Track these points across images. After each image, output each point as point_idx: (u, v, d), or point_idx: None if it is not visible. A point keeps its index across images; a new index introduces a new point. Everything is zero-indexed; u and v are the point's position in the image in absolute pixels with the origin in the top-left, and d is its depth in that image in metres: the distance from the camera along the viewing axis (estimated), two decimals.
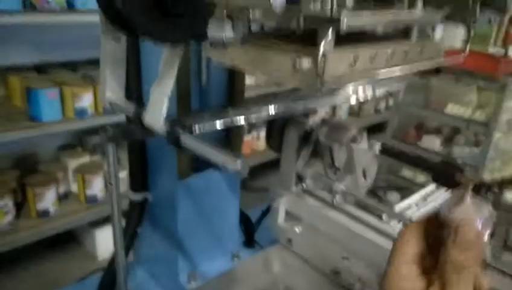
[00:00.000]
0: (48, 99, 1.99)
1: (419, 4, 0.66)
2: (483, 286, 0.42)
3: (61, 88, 2.03)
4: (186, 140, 0.54)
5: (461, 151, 2.60)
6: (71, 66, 2.35)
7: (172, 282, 1.09)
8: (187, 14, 0.51)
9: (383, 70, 0.64)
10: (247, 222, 1.29)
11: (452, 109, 2.48)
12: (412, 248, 0.43)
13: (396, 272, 0.42)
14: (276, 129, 1.00)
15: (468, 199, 0.40)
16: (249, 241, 1.29)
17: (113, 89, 0.67)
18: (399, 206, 1.34)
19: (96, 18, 0.61)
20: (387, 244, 0.80)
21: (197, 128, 0.59)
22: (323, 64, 0.52)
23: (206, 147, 0.52)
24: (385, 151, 0.97)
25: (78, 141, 2.48)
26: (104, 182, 2.22)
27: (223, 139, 1.13)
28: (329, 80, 0.53)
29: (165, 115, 0.57)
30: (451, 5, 0.69)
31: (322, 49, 0.51)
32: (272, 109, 0.77)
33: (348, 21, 0.49)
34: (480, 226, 0.39)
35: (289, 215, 0.97)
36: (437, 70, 0.86)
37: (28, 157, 2.34)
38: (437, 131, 2.88)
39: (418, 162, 0.93)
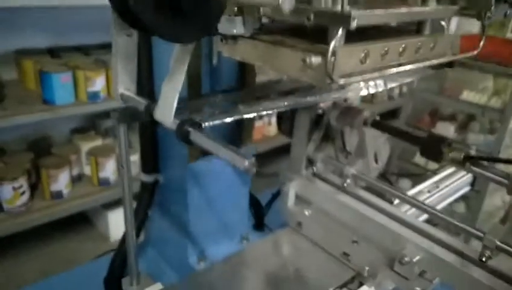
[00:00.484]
0: (61, 82, 2.00)
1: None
2: None
3: (74, 72, 2.04)
4: (196, 137, 0.55)
5: (476, 139, 2.56)
6: (84, 50, 2.36)
7: (182, 263, 1.10)
8: (198, 12, 0.51)
9: (393, 68, 0.62)
10: (257, 206, 1.30)
11: (468, 95, 2.44)
12: None
13: None
14: (287, 113, 0.99)
15: None
16: (259, 224, 1.30)
17: (124, 83, 0.68)
18: (411, 192, 1.33)
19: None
20: (398, 228, 0.79)
21: (206, 125, 0.61)
22: (332, 62, 0.51)
23: (216, 145, 0.53)
24: (375, 125, 0.95)
25: (91, 125, 2.50)
26: (116, 164, 2.24)
27: (234, 126, 1.13)
28: (339, 77, 0.53)
29: (174, 111, 0.58)
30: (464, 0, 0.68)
31: (332, 47, 0.50)
32: (282, 103, 0.76)
33: (359, 19, 0.49)
34: None
35: (299, 198, 0.96)
36: (450, 64, 0.85)
37: (42, 140, 2.37)
38: (451, 118, 2.83)
39: (407, 137, 0.92)
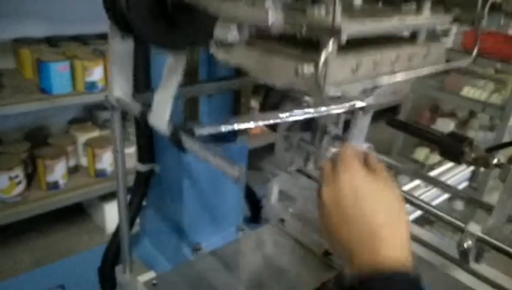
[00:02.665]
0: (59, 72, 1.98)
1: (427, 8, 0.66)
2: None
3: (71, 61, 2.02)
4: (189, 144, 0.56)
5: (476, 135, 2.55)
6: (82, 39, 2.33)
7: (176, 253, 1.09)
8: (190, 24, 0.53)
9: (385, 76, 0.62)
10: (253, 198, 1.29)
11: (468, 91, 2.42)
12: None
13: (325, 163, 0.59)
14: (271, 106, 0.97)
15: None
16: (255, 216, 1.30)
17: (121, 87, 0.70)
18: (407, 187, 1.32)
19: None
20: None
21: (198, 131, 0.61)
22: (324, 72, 0.52)
23: (208, 153, 0.54)
24: (392, 123, 0.94)
25: (88, 115, 2.48)
26: (113, 156, 2.23)
27: (230, 116, 1.12)
28: (331, 86, 0.53)
29: (168, 118, 0.60)
30: (459, 8, 0.69)
31: (323, 58, 0.50)
32: (277, 117, 0.75)
33: (349, 31, 0.50)
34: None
35: (283, 195, 0.94)
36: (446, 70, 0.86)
37: (39, 130, 2.35)
38: (452, 114, 2.82)
39: (426, 135, 0.91)
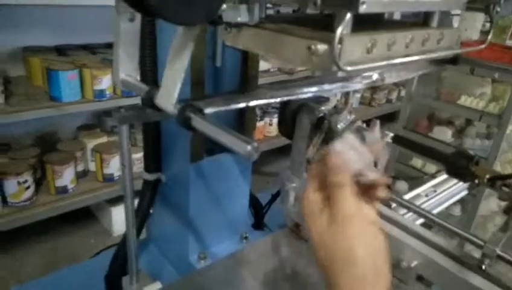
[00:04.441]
0: (68, 80, 2.03)
1: None
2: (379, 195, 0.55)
3: (80, 70, 2.08)
4: (197, 122, 0.52)
5: (472, 143, 2.58)
6: (91, 49, 2.39)
7: (183, 261, 1.13)
8: None
9: (400, 58, 0.61)
10: (257, 205, 1.33)
11: (465, 101, 2.45)
12: (315, 182, 0.55)
13: (306, 198, 0.54)
14: (288, 115, 1.01)
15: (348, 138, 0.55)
16: (258, 224, 1.33)
17: (126, 69, 0.66)
18: (408, 196, 1.35)
19: None
20: (396, 232, 0.81)
21: (208, 110, 0.57)
22: (339, 49, 0.50)
23: (218, 130, 0.51)
24: (398, 140, 0.96)
25: (97, 122, 2.53)
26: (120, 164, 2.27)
27: (236, 124, 1.15)
28: (345, 65, 0.51)
29: (176, 98, 0.56)
30: None
31: (339, 32, 0.49)
32: (283, 95, 0.75)
33: (368, 5, 0.48)
34: (348, 156, 0.53)
35: (298, 200, 0.98)
36: (454, 61, 0.84)
37: (48, 136, 2.41)
38: (449, 122, 2.85)
39: (431, 153, 0.92)
